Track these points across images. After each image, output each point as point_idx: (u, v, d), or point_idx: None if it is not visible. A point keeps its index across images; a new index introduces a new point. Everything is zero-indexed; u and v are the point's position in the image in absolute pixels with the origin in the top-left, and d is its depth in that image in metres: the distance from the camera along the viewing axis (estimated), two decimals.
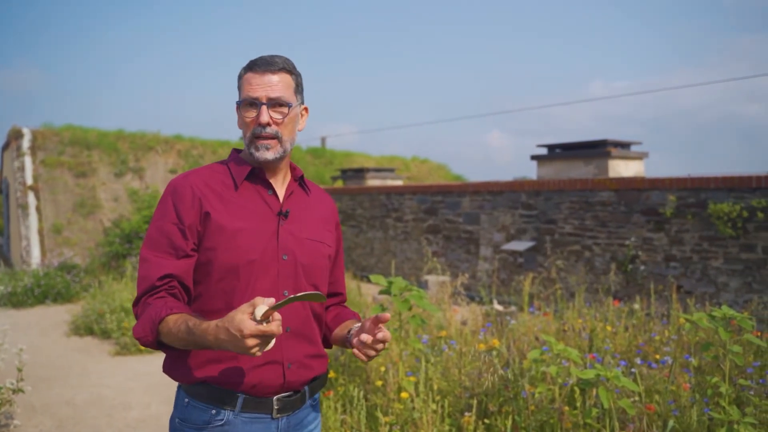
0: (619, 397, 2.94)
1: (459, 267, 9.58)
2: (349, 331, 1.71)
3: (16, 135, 11.87)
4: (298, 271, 1.66)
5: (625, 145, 8.74)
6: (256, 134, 1.62)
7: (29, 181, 11.48)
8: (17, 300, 9.16)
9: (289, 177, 1.75)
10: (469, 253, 9.57)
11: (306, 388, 1.68)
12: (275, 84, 1.62)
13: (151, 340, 1.50)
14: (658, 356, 3.88)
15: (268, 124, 1.61)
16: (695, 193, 6.79)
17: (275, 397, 1.60)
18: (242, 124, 1.66)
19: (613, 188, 7.57)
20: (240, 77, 1.67)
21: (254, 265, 1.59)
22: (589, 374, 2.67)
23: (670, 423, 2.85)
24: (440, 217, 10.09)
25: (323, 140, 18.11)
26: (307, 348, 1.67)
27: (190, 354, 1.57)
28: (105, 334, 7.10)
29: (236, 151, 1.76)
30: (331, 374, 3.99)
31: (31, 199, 11.41)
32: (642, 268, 7.22)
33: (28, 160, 11.64)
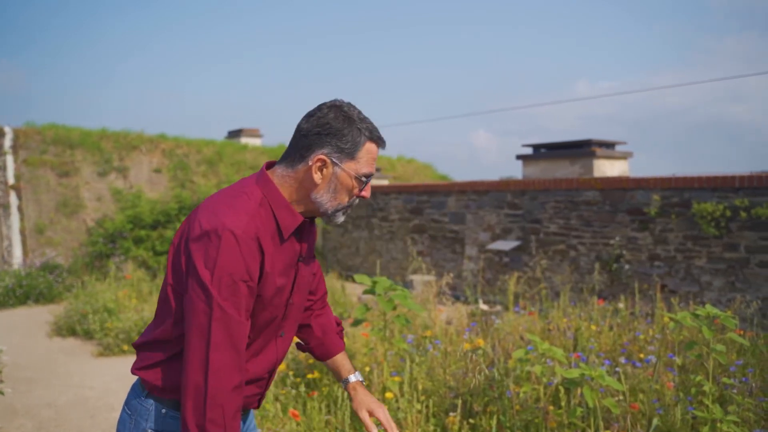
0: (603, 396, 2.95)
1: (444, 267, 9.59)
2: (345, 380, 1.84)
3: None
4: (295, 311, 1.67)
5: (610, 145, 8.79)
6: (351, 204, 1.57)
7: (11, 181, 11.35)
8: None
9: None
10: (454, 252, 9.58)
11: None
12: None
13: None
14: (642, 355, 3.89)
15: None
16: (679, 192, 6.84)
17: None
18: (341, 188, 1.53)
19: (598, 188, 7.61)
20: (359, 143, 1.51)
21: (276, 319, 1.59)
22: (574, 373, 2.67)
23: (655, 421, 2.86)
24: (426, 216, 10.09)
25: None
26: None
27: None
28: (88, 335, 7.02)
29: (275, 188, 1.54)
30: (316, 375, 3.97)
31: (13, 198, 11.27)
32: (627, 267, 7.26)
33: (9, 159, 11.49)
